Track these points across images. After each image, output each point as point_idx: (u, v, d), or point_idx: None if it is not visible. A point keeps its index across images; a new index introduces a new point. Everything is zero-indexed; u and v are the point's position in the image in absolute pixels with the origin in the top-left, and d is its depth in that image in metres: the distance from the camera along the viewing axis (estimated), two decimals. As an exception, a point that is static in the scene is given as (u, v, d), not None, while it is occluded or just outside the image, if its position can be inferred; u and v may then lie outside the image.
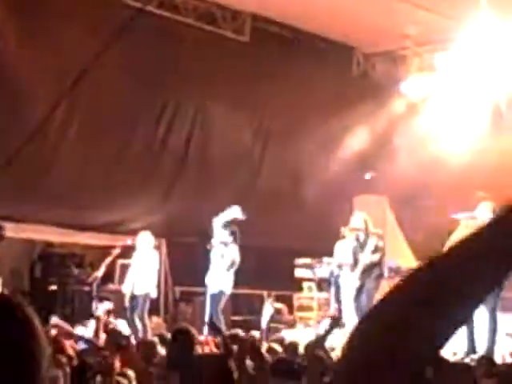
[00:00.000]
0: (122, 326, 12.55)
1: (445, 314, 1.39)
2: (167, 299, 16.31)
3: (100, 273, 13.55)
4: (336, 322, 9.55)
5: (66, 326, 11.53)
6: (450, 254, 1.49)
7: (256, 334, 10.20)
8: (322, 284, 15.33)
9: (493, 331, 11.18)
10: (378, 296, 1.65)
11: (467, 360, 10.42)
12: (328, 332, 8.87)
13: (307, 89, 16.79)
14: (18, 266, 16.09)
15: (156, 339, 9.34)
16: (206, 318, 12.81)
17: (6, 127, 13.75)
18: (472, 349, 11.12)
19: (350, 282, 13.48)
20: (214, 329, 9.83)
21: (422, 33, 15.80)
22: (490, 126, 16.42)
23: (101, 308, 12.99)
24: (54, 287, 15.55)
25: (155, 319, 14.21)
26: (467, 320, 1.46)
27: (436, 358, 1.45)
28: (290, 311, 15.92)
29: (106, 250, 14.49)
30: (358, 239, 13.42)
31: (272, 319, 14.70)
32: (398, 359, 1.40)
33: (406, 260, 16.06)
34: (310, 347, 8.61)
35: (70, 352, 8.50)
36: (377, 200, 17.87)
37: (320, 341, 8.71)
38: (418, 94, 17.50)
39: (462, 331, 11.29)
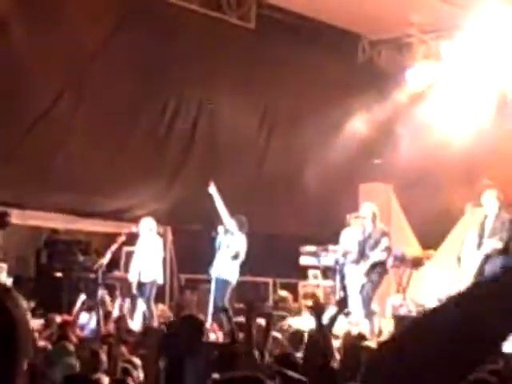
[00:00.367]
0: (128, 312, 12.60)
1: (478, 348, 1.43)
2: (172, 286, 16.34)
3: (105, 260, 13.56)
4: (342, 305, 9.53)
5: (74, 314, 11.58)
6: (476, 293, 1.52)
7: (261, 321, 10.18)
8: (328, 272, 15.33)
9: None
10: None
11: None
12: (335, 318, 8.87)
13: (313, 76, 16.77)
14: (24, 252, 16.14)
15: (163, 327, 9.36)
16: (210, 308, 12.82)
17: (11, 115, 13.76)
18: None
19: (355, 275, 13.49)
20: (224, 310, 9.85)
21: (428, 20, 15.76)
22: (495, 114, 16.39)
23: (107, 297, 13.02)
24: (59, 274, 15.59)
25: (160, 306, 14.24)
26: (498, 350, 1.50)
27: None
28: (295, 299, 15.93)
29: (111, 237, 14.51)
30: (364, 231, 13.38)
31: (277, 307, 14.75)
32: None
33: (411, 248, 16.07)
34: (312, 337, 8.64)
35: (74, 339, 8.54)
36: (382, 188, 17.87)
37: (326, 328, 8.71)
38: (423, 82, 17.46)
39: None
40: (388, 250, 13.36)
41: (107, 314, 11.58)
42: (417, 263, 14.65)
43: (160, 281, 13.78)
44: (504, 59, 15.16)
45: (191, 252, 15.56)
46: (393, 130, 18.14)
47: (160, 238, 14.34)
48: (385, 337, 11.50)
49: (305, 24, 16.66)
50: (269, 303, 15.28)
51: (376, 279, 13.14)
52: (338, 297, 13.71)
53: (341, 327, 11.39)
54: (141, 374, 7.58)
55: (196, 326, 7.32)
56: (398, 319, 12.18)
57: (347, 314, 13.13)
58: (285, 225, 16.93)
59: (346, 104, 17.23)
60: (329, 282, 15.31)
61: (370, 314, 12.67)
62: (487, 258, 11.31)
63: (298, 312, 15.24)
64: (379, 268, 13.25)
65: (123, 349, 8.38)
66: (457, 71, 16.55)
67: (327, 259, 14.76)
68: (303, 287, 16.20)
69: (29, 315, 1.93)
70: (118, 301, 13.42)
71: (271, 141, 17.48)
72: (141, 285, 13.45)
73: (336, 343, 8.64)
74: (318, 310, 7.75)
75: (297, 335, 9.71)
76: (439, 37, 16.82)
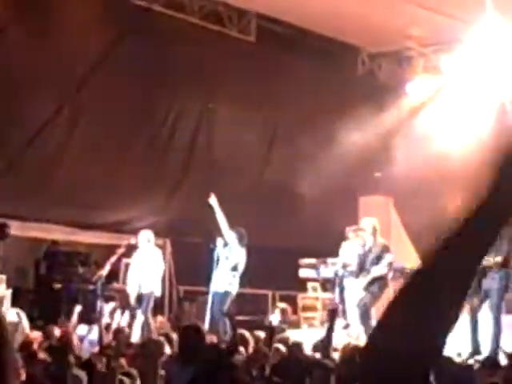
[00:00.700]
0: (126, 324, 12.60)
1: (438, 313, 1.47)
2: (171, 298, 16.34)
3: (105, 271, 13.56)
4: (333, 314, 9.56)
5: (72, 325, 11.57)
6: (432, 255, 1.60)
7: (261, 334, 10.20)
8: (327, 284, 15.33)
9: (497, 332, 11.18)
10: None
11: (471, 361, 10.44)
12: (330, 328, 8.88)
13: (312, 88, 16.81)
14: (24, 264, 16.13)
15: (162, 339, 9.35)
16: (207, 319, 12.84)
17: (11, 127, 13.78)
18: (476, 350, 11.12)
19: (354, 288, 13.49)
20: (228, 316, 9.87)
21: (428, 34, 15.81)
22: (494, 127, 16.41)
23: (106, 308, 13.01)
24: (58, 285, 15.58)
25: (159, 318, 14.23)
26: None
27: (439, 359, 1.53)
28: (295, 311, 15.93)
29: (110, 249, 14.50)
30: (364, 245, 13.34)
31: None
32: (404, 363, 1.47)
33: (410, 261, 16.05)
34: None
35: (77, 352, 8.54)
36: (382, 201, 17.89)
37: (325, 341, 8.72)
38: (423, 95, 17.51)
39: (466, 332, 11.30)
40: (390, 265, 13.36)
41: (106, 326, 11.57)
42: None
43: (158, 293, 13.77)
44: (503, 72, 15.20)
45: (190, 264, 15.56)
46: (393, 142, 18.16)
47: (159, 249, 14.34)
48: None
49: (305, 37, 16.71)
50: (276, 317, 15.25)
51: (376, 291, 13.12)
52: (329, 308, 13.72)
53: (340, 340, 11.39)
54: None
55: (198, 335, 7.35)
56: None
57: (346, 327, 13.14)
58: (284, 237, 16.93)
59: (345, 116, 17.24)
60: (328, 295, 15.30)
61: (368, 327, 12.65)
62: (485, 271, 11.30)
63: (296, 324, 15.25)
64: (380, 281, 13.24)
65: (122, 361, 8.38)
66: (456, 84, 16.59)
67: (326, 272, 14.76)
68: (302, 299, 16.19)
69: (22, 329, 1.95)
70: (117, 313, 13.41)
71: (271, 153, 17.51)
72: (139, 297, 13.44)
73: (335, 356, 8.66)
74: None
75: (295, 347, 9.71)
76: (439, 50, 16.88)
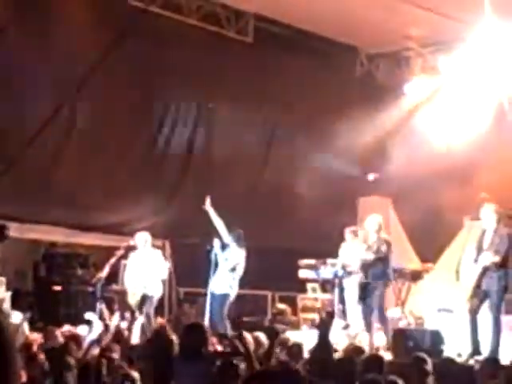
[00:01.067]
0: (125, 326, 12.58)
1: None
2: (171, 300, 16.34)
3: (104, 273, 13.56)
4: (330, 317, 9.56)
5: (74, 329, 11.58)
6: None
7: (260, 335, 10.18)
8: (326, 285, 15.33)
9: (497, 332, 11.18)
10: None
11: (472, 361, 10.44)
12: (326, 331, 8.88)
13: (310, 89, 16.80)
14: (22, 266, 16.12)
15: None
16: (206, 321, 12.83)
17: (9, 129, 13.77)
18: (476, 350, 11.12)
19: (353, 283, 13.47)
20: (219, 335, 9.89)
21: (426, 34, 15.82)
22: (493, 127, 16.42)
23: (105, 311, 12.99)
24: (57, 287, 15.57)
25: (159, 320, 14.22)
26: None
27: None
28: (294, 312, 15.93)
29: (109, 251, 14.50)
30: (367, 246, 13.20)
31: (276, 320, 14.76)
32: None
33: (409, 261, 16.08)
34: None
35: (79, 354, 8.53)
36: (380, 201, 17.90)
37: (322, 343, 8.72)
38: (421, 95, 17.52)
39: (466, 333, 11.31)
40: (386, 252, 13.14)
41: (106, 328, 11.55)
42: (416, 277, 14.65)
43: (158, 294, 13.77)
44: (501, 72, 15.20)
45: (190, 265, 15.56)
46: (391, 143, 18.17)
47: (158, 251, 14.34)
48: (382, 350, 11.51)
49: (303, 38, 16.70)
50: (286, 318, 15.28)
51: (379, 293, 13.01)
52: (336, 310, 13.72)
53: (340, 340, 11.41)
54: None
55: (201, 333, 7.36)
56: (397, 332, 12.17)
57: (346, 327, 13.15)
58: (283, 238, 16.93)
59: (344, 117, 17.25)
60: (327, 296, 15.31)
61: (387, 328, 12.63)
62: (485, 271, 11.31)
63: (296, 325, 15.25)
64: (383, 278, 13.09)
65: (121, 361, 8.37)
66: (454, 84, 16.60)
67: (326, 272, 14.76)
68: (302, 300, 16.19)
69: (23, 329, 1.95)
70: (117, 314, 13.39)
71: (269, 155, 17.51)
72: (142, 298, 13.43)
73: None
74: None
75: (295, 348, 9.71)
76: (437, 50, 16.88)
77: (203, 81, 15.74)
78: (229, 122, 16.68)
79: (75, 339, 9.87)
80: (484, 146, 16.24)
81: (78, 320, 13.16)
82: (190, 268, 15.45)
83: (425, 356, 8.24)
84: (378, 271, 12.79)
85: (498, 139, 16.15)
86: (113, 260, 13.69)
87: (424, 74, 17.37)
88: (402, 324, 13.76)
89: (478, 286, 11.37)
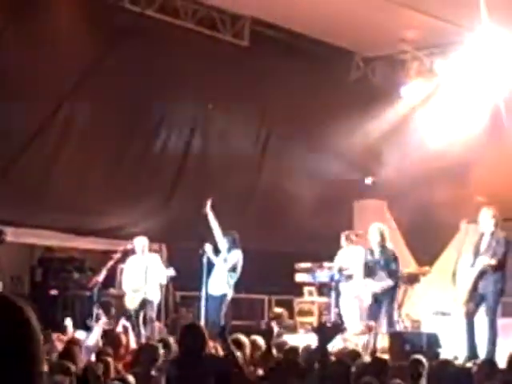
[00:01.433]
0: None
1: None
2: (168, 304, 16.32)
3: (101, 277, 13.54)
4: (336, 329, 9.57)
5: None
6: None
7: (258, 338, 10.18)
8: (323, 289, 15.33)
9: (493, 335, 11.19)
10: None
11: (469, 364, 10.44)
12: (329, 340, 8.89)
13: (306, 93, 16.80)
14: (19, 270, 16.10)
15: (158, 344, 9.33)
16: (202, 322, 12.80)
17: (5, 132, 13.75)
18: (473, 353, 11.13)
19: (350, 292, 13.50)
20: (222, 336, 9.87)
21: (422, 37, 15.83)
22: (489, 130, 16.43)
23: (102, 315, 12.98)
24: (54, 292, 15.55)
25: (156, 324, 14.21)
26: None
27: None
28: (291, 316, 15.92)
29: (106, 255, 14.50)
30: (371, 251, 13.17)
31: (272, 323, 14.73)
32: None
33: (406, 265, 16.07)
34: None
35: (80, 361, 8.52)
36: (376, 204, 17.90)
37: (321, 349, 8.71)
38: (417, 98, 17.52)
39: (463, 336, 11.31)
40: (396, 274, 13.19)
41: (103, 332, 11.54)
42: (412, 280, 14.64)
43: (157, 298, 13.76)
44: (497, 75, 15.22)
45: (186, 269, 15.53)
46: (387, 146, 18.17)
47: (157, 255, 14.34)
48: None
49: (299, 41, 16.70)
50: (283, 322, 15.26)
51: (388, 301, 13.02)
52: (333, 314, 13.72)
53: (336, 344, 11.39)
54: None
55: (199, 333, 7.34)
56: (394, 335, 12.17)
57: (342, 331, 13.13)
58: (280, 242, 16.93)
59: (339, 121, 17.24)
60: (324, 299, 15.30)
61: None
62: (481, 274, 11.32)
63: (293, 329, 15.24)
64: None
65: (118, 366, 8.37)
66: (450, 87, 16.61)
67: (322, 276, 14.76)
68: (298, 304, 16.18)
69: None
70: (114, 318, 13.38)
71: (265, 159, 17.51)
72: (142, 302, 13.42)
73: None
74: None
75: (292, 352, 9.69)
76: (433, 53, 16.89)
77: (200, 84, 15.73)
78: (224, 126, 16.68)
79: (74, 344, 9.86)
80: (480, 149, 16.24)
81: (75, 324, 13.16)
82: (187, 272, 15.42)
83: (421, 358, 8.24)
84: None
85: (494, 143, 16.16)
86: (109, 264, 13.68)
87: (420, 77, 17.38)
88: (398, 327, 13.76)
89: (474, 289, 11.38)
